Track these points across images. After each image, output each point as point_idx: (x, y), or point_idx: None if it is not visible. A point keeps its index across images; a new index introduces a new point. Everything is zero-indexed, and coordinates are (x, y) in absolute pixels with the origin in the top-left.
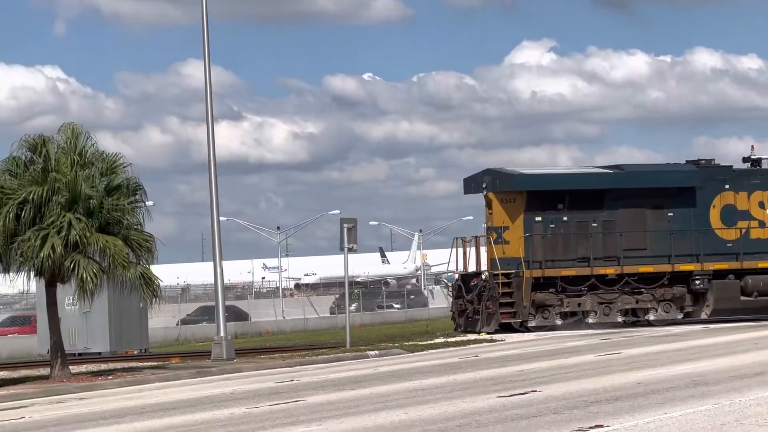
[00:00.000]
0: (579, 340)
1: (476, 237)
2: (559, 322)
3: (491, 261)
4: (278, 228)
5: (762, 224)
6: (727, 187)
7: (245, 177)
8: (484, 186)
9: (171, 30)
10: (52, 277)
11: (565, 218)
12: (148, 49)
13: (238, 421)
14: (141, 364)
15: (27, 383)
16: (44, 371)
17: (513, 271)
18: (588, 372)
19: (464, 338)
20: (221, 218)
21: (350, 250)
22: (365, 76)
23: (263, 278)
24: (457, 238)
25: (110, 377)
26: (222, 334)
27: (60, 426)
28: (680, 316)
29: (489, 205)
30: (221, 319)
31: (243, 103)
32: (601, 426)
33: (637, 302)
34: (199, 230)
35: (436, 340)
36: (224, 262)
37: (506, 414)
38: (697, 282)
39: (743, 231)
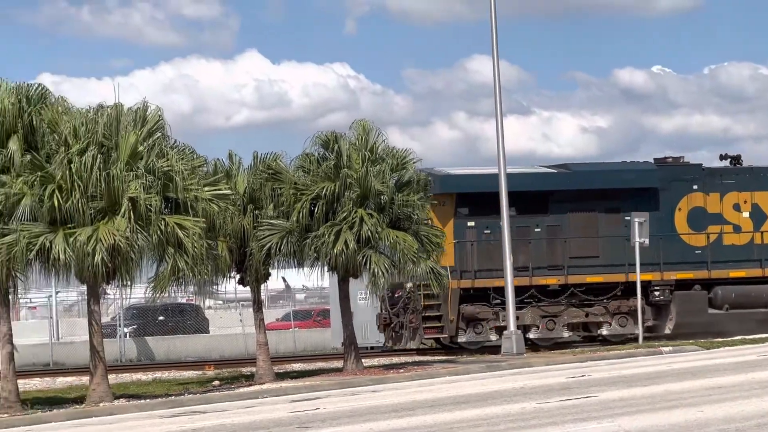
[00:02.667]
0: None
1: None
2: (494, 337)
3: None
4: None
5: (737, 229)
6: (695, 187)
7: None
8: None
9: (456, 27)
10: (345, 272)
11: None
12: (434, 45)
13: (529, 416)
14: (430, 358)
15: (322, 375)
16: (338, 364)
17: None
18: None
19: (763, 336)
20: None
21: (641, 244)
22: (654, 69)
23: None
24: None
25: (401, 371)
26: (512, 328)
27: (353, 417)
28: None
29: None
30: (511, 312)
31: (530, 97)
32: None
33: (587, 315)
34: None
35: (734, 338)
36: None
37: None
38: (656, 293)
39: (714, 237)
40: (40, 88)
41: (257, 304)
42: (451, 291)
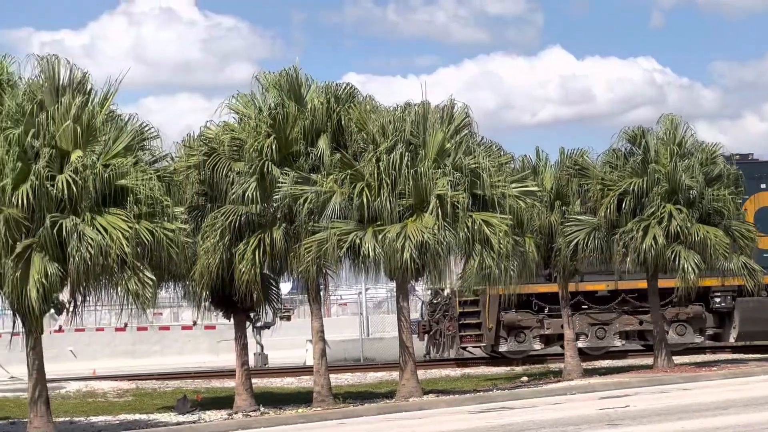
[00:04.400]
0: None
1: None
2: (537, 346)
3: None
4: None
5: None
6: (763, 186)
7: None
8: None
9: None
10: (655, 268)
11: None
12: (744, 36)
13: None
14: (744, 356)
15: (631, 372)
16: (647, 361)
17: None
18: None
19: None
20: None
21: None
22: None
23: None
24: None
25: (714, 368)
26: None
27: (663, 416)
28: (699, 339)
29: None
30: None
31: None
32: None
33: (641, 323)
34: None
35: None
36: None
37: None
38: (717, 299)
39: None
40: (348, 88)
41: (565, 301)
42: (489, 297)
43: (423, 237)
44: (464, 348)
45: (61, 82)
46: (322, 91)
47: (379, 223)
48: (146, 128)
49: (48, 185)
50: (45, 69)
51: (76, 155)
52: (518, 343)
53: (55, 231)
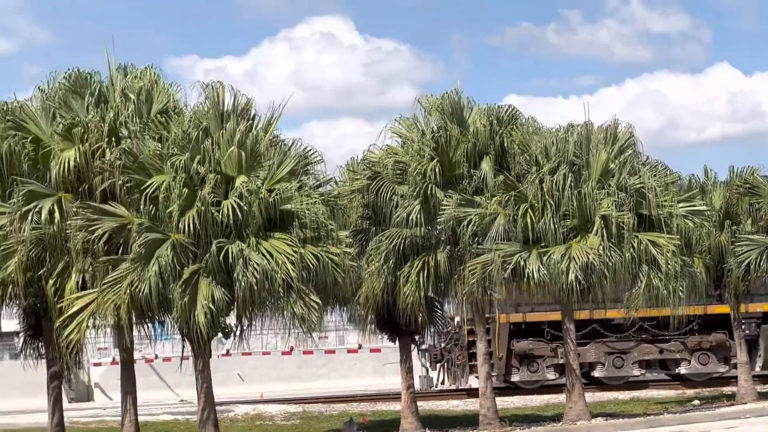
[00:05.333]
0: None
1: None
2: (551, 376)
3: None
4: None
5: None
6: None
7: None
8: None
9: None
10: None
11: None
12: None
13: None
14: None
15: None
16: None
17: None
18: None
19: None
20: None
21: None
22: None
23: None
24: None
25: None
26: None
27: None
28: (722, 369)
29: None
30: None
31: None
32: None
33: (661, 352)
34: None
35: None
36: None
37: None
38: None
39: None
40: (510, 110)
41: (737, 322)
42: (499, 325)
43: (588, 258)
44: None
45: (225, 109)
46: (484, 113)
47: (543, 244)
48: (310, 153)
49: (213, 211)
50: (210, 96)
51: (240, 180)
52: (531, 372)
53: (221, 256)
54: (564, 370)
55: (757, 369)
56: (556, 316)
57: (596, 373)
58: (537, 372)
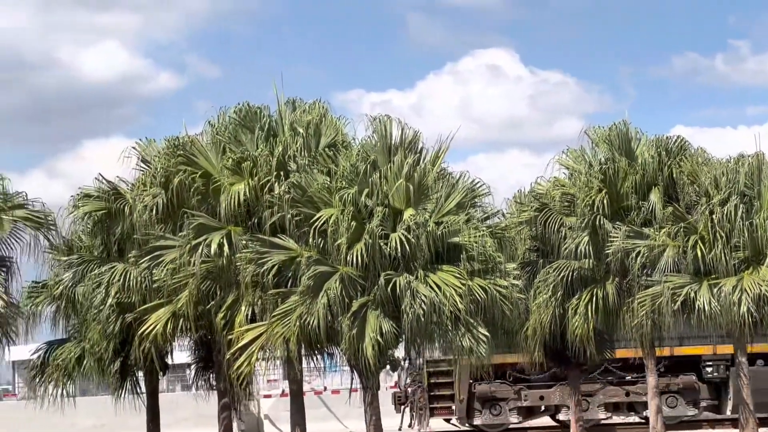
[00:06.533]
0: None
1: None
2: (514, 419)
3: None
4: None
5: None
6: None
7: None
8: None
9: None
10: None
11: None
12: None
13: None
14: None
15: None
16: None
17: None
18: None
19: None
20: None
21: None
22: None
23: None
24: None
25: None
26: None
27: None
28: (692, 412)
29: None
30: None
31: None
32: None
33: (627, 394)
34: None
35: None
36: None
37: None
38: (709, 369)
39: None
40: (679, 140)
41: None
42: (460, 367)
43: (761, 290)
44: (448, 420)
45: (393, 142)
46: (653, 144)
47: (713, 276)
48: (477, 185)
49: (381, 243)
50: (377, 129)
51: (408, 213)
52: (493, 416)
53: (389, 288)
54: (528, 413)
55: (728, 413)
56: (512, 359)
57: (561, 416)
58: (500, 415)
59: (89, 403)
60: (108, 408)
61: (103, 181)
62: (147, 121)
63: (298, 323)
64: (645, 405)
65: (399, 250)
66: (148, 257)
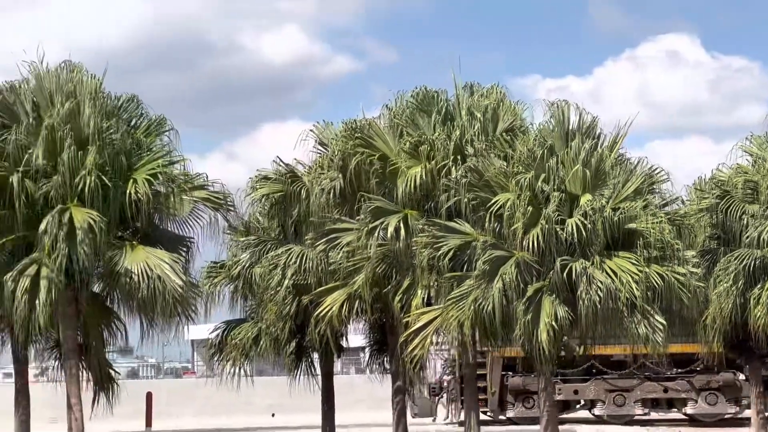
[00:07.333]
0: None
1: None
2: None
3: None
4: None
5: None
6: None
7: None
8: None
9: None
10: None
11: None
12: None
13: None
14: None
15: None
16: None
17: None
18: None
19: None
20: None
21: None
22: None
23: None
24: None
25: None
26: None
27: None
28: (733, 409)
29: None
30: None
31: None
32: None
33: (666, 391)
34: None
35: None
36: None
37: None
38: None
39: None
40: None
41: None
42: (492, 359)
43: None
44: (484, 413)
45: (570, 127)
46: None
47: None
48: (656, 171)
49: (558, 229)
50: (555, 114)
51: (585, 199)
52: (526, 408)
53: (564, 274)
54: (562, 407)
55: None
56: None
57: (597, 411)
58: (532, 408)
59: (265, 383)
60: (283, 389)
61: (281, 163)
62: (323, 105)
63: (472, 307)
64: (683, 402)
65: (575, 235)
66: (325, 239)
